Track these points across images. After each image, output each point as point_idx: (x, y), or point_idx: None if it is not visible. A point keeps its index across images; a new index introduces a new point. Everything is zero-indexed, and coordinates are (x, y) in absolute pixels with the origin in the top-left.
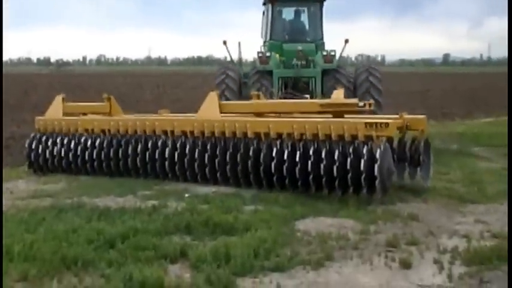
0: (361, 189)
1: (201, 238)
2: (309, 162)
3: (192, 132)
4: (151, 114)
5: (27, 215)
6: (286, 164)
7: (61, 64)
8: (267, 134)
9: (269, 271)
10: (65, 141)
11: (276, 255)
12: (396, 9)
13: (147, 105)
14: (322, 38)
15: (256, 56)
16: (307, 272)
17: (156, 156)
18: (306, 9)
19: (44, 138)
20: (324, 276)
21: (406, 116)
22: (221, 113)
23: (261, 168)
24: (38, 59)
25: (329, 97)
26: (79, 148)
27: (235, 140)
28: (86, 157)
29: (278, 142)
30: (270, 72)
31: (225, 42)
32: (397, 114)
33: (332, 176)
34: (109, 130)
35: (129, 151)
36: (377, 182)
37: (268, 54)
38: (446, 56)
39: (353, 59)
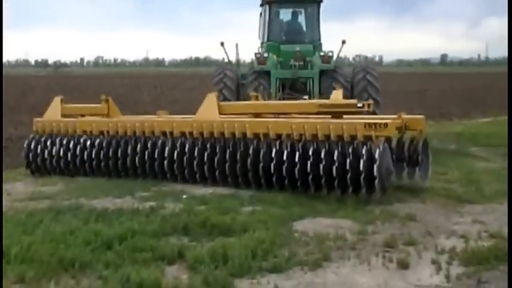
0: (361, 189)
1: (198, 239)
2: (308, 162)
3: (191, 133)
4: (149, 115)
5: (24, 216)
6: (285, 165)
7: (59, 66)
8: (266, 134)
9: (267, 272)
10: (64, 142)
11: (274, 256)
12: (394, 9)
13: (144, 106)
14: (319, 39)
15: (253, 57)
16: (304, 272)
17: (155, 157)
18: (303, 10)
19: (42, 140)
20: (322, 276)
21: (405, 116)
22: (220, 114)
23: (260, 168)
24: (36, 61)
25: (327, 98)
26: (78, 149)
27: (235, 141)
28: (85, 158)
29: (277, 143)
30: (268, 73)
31: (222, 44)
32: (396, 114)
33: (331, 176)
34: (108, 131)
35: (128, 152)
36: (376, 182)
37: (266, 55)
38: (444, 57)
39: (351, 59)
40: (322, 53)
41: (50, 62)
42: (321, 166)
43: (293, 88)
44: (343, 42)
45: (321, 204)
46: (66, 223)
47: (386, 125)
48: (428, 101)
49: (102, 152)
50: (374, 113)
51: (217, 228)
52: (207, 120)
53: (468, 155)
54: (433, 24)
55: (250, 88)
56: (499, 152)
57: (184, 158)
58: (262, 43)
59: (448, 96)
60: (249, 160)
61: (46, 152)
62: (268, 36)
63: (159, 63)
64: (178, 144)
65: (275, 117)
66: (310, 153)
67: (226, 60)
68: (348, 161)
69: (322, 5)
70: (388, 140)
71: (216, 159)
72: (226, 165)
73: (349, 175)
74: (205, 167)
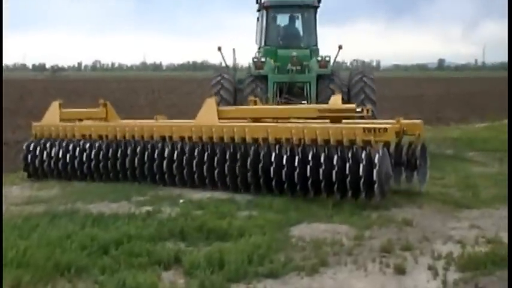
0: (360, 193)
1: (195, 244)
2: (308, 167)
3: (190, 138)
4: (147, 119)
5: (20, 221)
6: (285, 169)
7: (56, 70)
8: (265, 139)
9: (263, 277)
10: (63, 146)
11: (270, 261)
12: (391, 15)
13: (141, 110)
14: (316, 44)
15: (251, 62)
16: (301, 278)
17: (154, 161)
18: (300, 15)
19: (41, 144)
20: (319, 282)
21: (403, 121)
22: (219, 118)
23: (260, 173)
24: (33, 65)
25: (325, 102)
26: (77, 154)
27: (234, 145)
28: (84, 163)
29: (277, 147)
30: (265, 77)
31: (219, 49)
32: (393, 119)
33: (331, 180)
34: (106, 136)
35: (128, 156)
36: (376, 186)
37: (263, 59)
38: (441, 61)
39: (348, 64)
40: (319, 58)
41: (48, 66)
42: (321, 170)
43: (290, 92)
44: (340, 47)
45: (317, 209)
46: (62, 227)
47: (385, 129)
48: (425, 106)
49: (101, 156)
50: (373, 114)
51: (214, 233)
52: (206, 124)
53: (465, 159)
54: (431, 30)
55: (248, 92)
56: (496, 157)
57: (184, 163)
58: (259, 48)
59: (445, 101)
60: (248, 164)
61: (44, 155)
62: (265, 41)
63: (157, 67)
64: (177, 149)
65: (274, 122)
66: (310, 157)
67: (223, 64)
68: (347, 165)
69: (318, 10)
70: (386, 144)
71: (215, 163)
72: (226, 169)
73: (348, 179)
74: (205, 171)
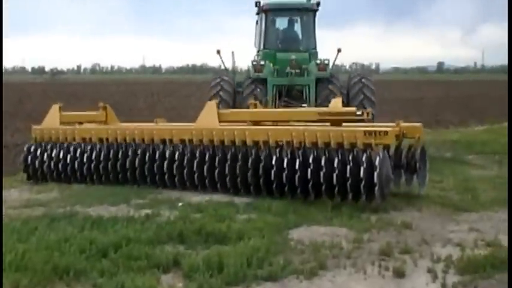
0: (360, 196)
1: (194, 247)
2: (309, 170)
3: (190, 141)
4: (147, 122)
5: (19, 224)
6: (285, 172)
7: (55, 73)
8: (266, 142)
9: (262, 280)
10: (63, 149)
11: (269, 264)
12: (390, 18)
13: (141, 113)
14: (315, 47)
15: (250, 65)
16: (300, 281)
17: (155, 164)
18: (298, 18)
19: (41, 147)
20: (317, 285)
21: (403, 124)
22: (220, 121)
23: (260, 176)
24: (33, 68)
25: (324, 105)
26: (77, 157)
27: (235, 148)
28: (84, 165)
29: (277, 150)
30: (264, 80)
31: (218, 52)
32: (393, 122)
33: (331, 183)
34: (107, 139)
35: (128, 159)
36: (376, 188)
37: (262, 62)
38: (440, 64)
39: (347, 67)
40: (318, 61)
41: (47, 69)
42: (321, 173)
43: (289, 95)
44: (339, 50)
45: (316, 212)
46: (61, 231)
47: (386, 133)
48: (425, 109)
49: (101, 159)
50: (373, 117)
51: (212, 236)
52: (207, 127)
53: (464, 162)
54: (430, 33)
55: (247, 94)
56: (495, 160)
57: (184, 166)
58: (258, 51)
59: (445, 104)
60: (249, 167)
61: (45, 157)
62: (264, 44)
63: (156, 70)
64: (177, 152)
65: (274, 125)
66: (311, 160)
67: (222, 67)
68: (348, 168)
69: (317, 13)
70: (386, 147)
71: (215, 166)
72: (226, 172)
73: (349, 182)
74: (205, 174)
